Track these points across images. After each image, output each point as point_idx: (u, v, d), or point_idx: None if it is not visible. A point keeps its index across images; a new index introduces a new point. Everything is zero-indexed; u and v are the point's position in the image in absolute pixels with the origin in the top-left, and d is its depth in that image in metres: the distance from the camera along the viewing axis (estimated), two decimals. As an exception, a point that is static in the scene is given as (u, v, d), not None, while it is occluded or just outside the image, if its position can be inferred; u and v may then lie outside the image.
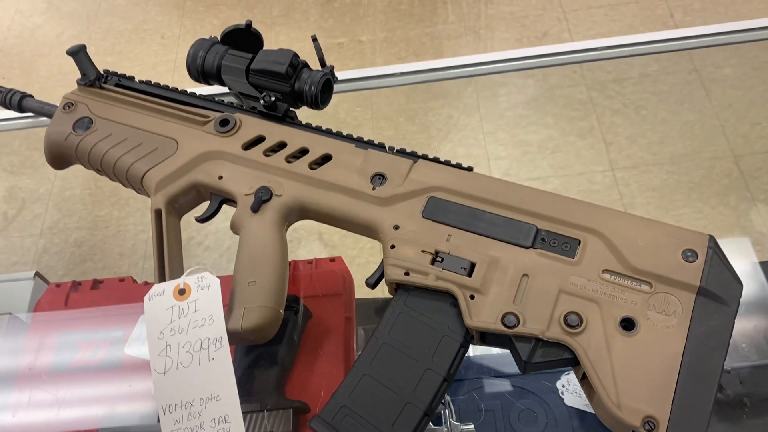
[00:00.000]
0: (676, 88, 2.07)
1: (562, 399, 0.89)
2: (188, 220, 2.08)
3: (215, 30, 2.50)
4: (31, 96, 0.80)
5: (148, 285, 0.82)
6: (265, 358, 0.71)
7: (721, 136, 1.96)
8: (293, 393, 0.72)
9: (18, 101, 0.79)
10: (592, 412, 0.92)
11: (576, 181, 1.95)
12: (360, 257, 1.87)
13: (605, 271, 0.59)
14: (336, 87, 1.28)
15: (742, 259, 0.89)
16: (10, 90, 0.79)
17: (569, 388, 0.88)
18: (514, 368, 0.90)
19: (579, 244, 0.61)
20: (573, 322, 0.57)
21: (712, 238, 0.60)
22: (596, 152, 2.00)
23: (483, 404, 0.87)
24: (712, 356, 0.55)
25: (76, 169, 2.26)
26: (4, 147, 2.20)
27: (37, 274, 1.14)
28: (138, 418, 0.72)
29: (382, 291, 0.68)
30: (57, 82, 2.42)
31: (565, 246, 0.61)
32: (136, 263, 1.98)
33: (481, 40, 2.42)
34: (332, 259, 0.83)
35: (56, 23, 2.62)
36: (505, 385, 0.89)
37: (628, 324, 0.57)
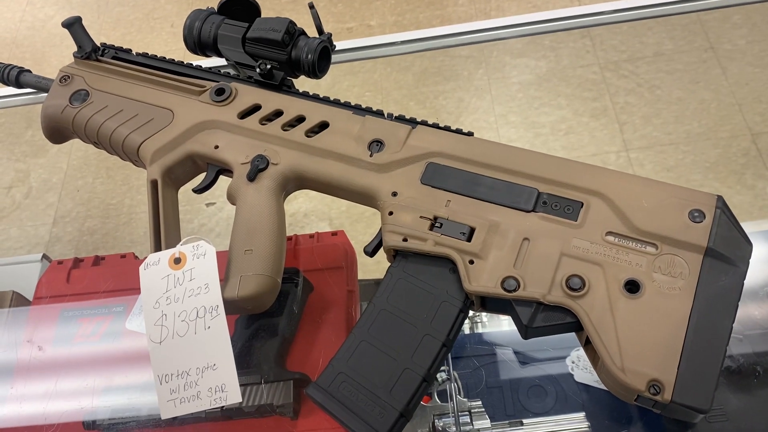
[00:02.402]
0: (691, 66, 2.03)
1: (572, 375, 0.87)
2: (199, 207, 2.06)
3: (225, 18, 2.49)
4: (29, 71, 0.80)
5: (149, 260, 0.82)
6: (265, 330, 0.70)
7: (737, 114, 1.92)
8: (294, 365, 0.71)
9: (15, 76, 0.78)
10: (603, 388, 0.90)
11: (589, 162, 1.92)
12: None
13: (609, 233, 0.57)
14: (342, 56, 1.25)
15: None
16: (8, 65, 0.79)
17: (579, 364, 0.86)
18: (523, 344, 0.89)
19: (582, 206, 0.59)
20: (575, 285, 0.55)
21: (720, 198, 0.58)
22: (610, 133, 1.97)
23: (491, 380, 0.85)
24: (720, 318, 0.53)
25: (88, 159, 2.26)
26: (18, 137, 2.22)
27: (44, 256, 1.14)
28: (138, 391, 0.71)
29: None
30: (68, 72, 2.43)
31: (567, 209, 0.59)
32: (148, 250, 1.98)
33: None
34: (334, 233, 0.82)
35: (67, 13, 2.61)
36: (513, 362, 0.88)
37: (632, 286, 0.55)
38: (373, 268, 0.87)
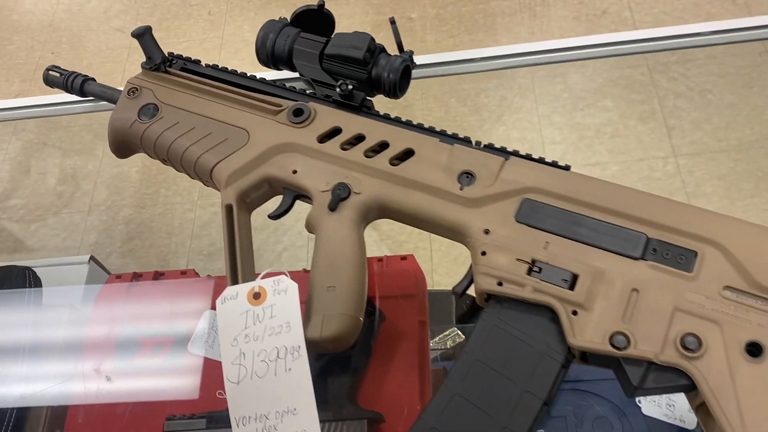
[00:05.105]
0: (744, 70, 1.96)
1: (640, 408, 0.84)
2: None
3: (262, 6, 2.45)
4: (93, 79, 0.76)
5: (210, 279, 0.79)
6: (337, 364, 0.67)
7: (793, 121, 1.86)
8: (365, 401, 0.68)
9: (80, 85, 0.75)
10: (672, 423, 0.86)
11: (636, 167, 1.87)
12: (409, 242, 1.82)
13: (726, 288, 0.53)
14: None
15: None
16: (72, 73, 0.76)
17: (647, 397, 0.82)
18: (587, 373, 0.85)
19: (696, 256, 0.54)
20: (691, 344, 0.51)
21: None
22: (658, 138, 1.91)
23: (555, 410, 0.82)
24: None
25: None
26: (55, 123, 2.20)
27: (92, 258, 1.12)
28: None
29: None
30: (105, 57, 2.41)
31: (679, 258, 0.55)
32: (183, 242, 1.97)
33: (537, 17, 2.33)
34: (404, 257, 0.78)
35: (104, -2, 2.60)
36: (578, 391, 0.84)
37: (754, 349, 0.50)
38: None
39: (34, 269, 0.88)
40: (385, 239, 1.79)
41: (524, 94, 2.10)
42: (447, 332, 1.15)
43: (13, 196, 2.04)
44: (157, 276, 0.81)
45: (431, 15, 2.43)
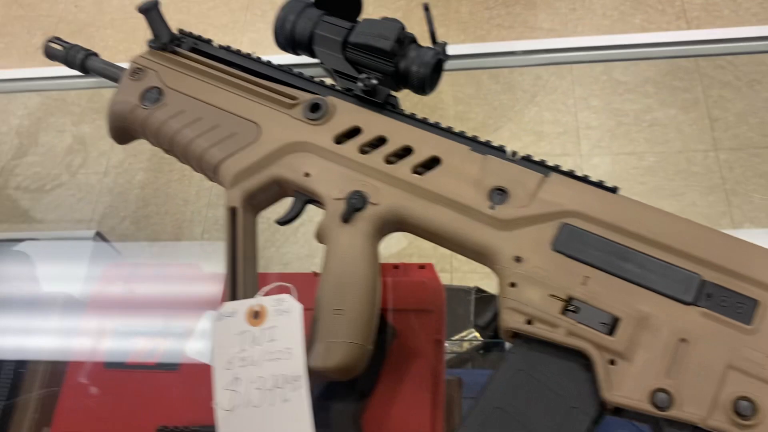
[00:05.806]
0: (797, 61, 1.84)
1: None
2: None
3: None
4: (96, 54, 0.70)
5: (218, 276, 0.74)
6: (341, 384, 0.61)
7: None
8: (371, 427, 0.62)
9: (81, 60, 0.69)
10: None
11: (674, 160, 1.77)
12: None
13: (791, 346, 0.46)
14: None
15: None
16: (74, 46, 0.69)
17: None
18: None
19: (756, 305, 0.47)
20: (745, 410, 0.44)
21: None
22: (699, 129, 1.81)
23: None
24: None
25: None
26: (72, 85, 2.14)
27: (98, 233, 1.08)
28: None
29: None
30: (129, 13, 2.34)
31: (738, 307, 0.48)
32: (200, 211, 1.92)
33: (579, -7, 2.20)
34: (422, 266, 0.72)
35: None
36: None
37: (819, 422, 0.44)
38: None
39: (31, 246, 0.84)
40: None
41: (561, 74, 2.00)
42: (463, 333, 1.09)
43: (28, 153, 2.01)
44: (158, 269, 0.75)
45: (465, -17, 2.31)
